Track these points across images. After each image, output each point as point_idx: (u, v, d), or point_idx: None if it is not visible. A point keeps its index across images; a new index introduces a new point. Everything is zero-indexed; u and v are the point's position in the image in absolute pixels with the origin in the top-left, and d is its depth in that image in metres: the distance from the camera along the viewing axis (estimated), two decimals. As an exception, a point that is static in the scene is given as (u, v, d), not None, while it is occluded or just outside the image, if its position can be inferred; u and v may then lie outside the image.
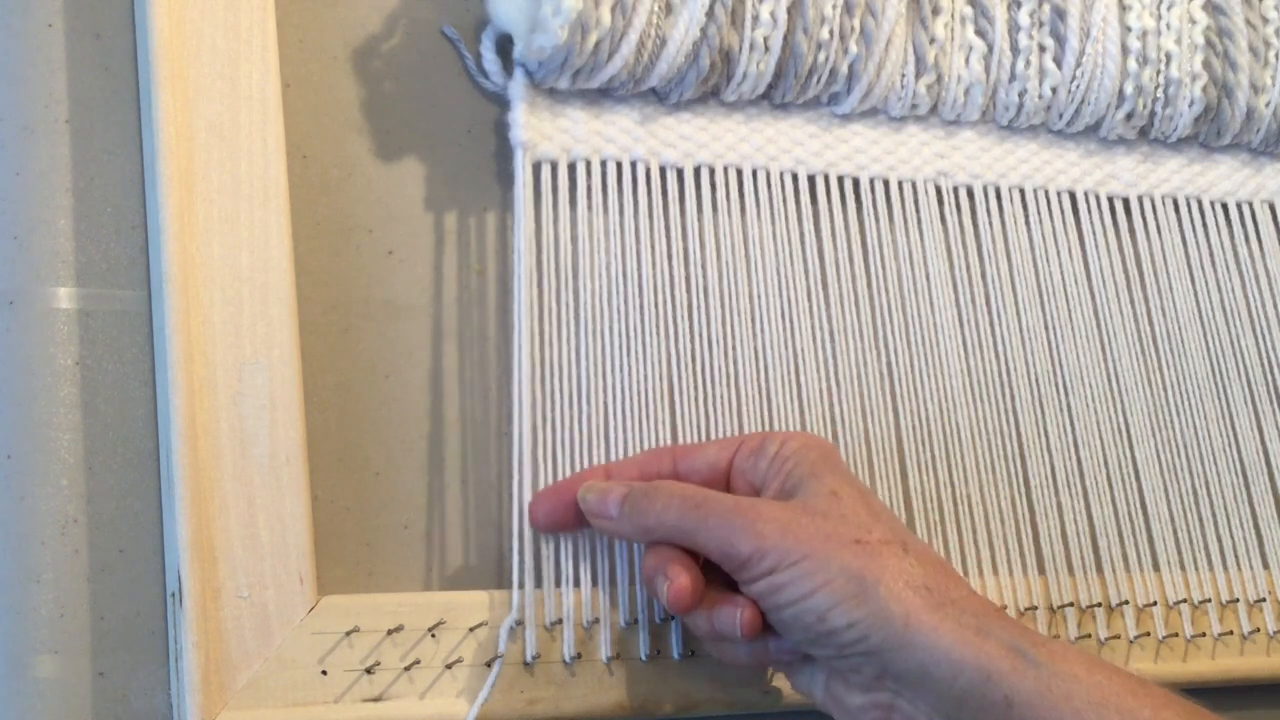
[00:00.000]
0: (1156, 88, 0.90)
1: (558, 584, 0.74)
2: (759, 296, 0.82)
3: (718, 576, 0.71)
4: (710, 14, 0.79)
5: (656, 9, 0.78)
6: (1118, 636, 0.84)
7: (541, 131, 0.79)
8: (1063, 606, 0.83)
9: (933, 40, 0.86)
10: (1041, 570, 0.84)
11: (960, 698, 0.64)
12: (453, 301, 0.80)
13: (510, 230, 0.80)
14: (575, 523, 0.74)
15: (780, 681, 0.77)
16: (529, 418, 0.75)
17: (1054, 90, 0.89)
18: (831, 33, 0.82)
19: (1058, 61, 0.88)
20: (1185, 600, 0.86)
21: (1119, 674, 0.64)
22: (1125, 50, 0.89)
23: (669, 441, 0.78)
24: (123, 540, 0.71)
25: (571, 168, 0.80)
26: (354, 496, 0.75)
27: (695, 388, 0.80)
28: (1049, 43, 0.88)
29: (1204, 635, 0.86)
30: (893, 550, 0.67)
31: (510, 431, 0.77)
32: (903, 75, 0.86)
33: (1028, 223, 0.90)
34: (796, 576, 0.67)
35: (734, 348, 0.81)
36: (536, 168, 0.79)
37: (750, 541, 0.67)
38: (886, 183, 0.87)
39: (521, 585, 0.74)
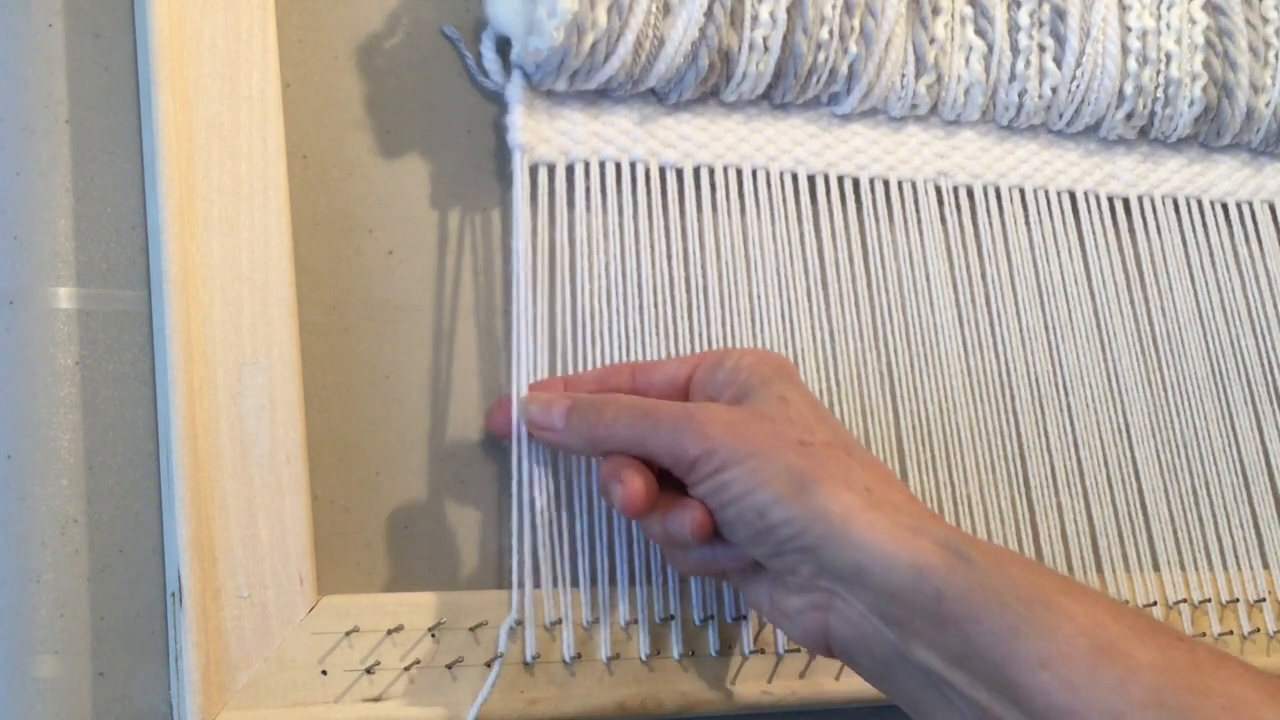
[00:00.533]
0: (1156, 88, 0.90)
1: (557, 584, 0.74)
2: (759, 297, 0.82)
3: (671, 485, 0.71)
4: (709, 14, 0.79)
5: (654, 10, 0.77)
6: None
7: (539, 134, 0.79)
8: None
9: (933, 40, 0.86)
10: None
11: (893, 593, 0.64)
12: (453, 301, 0.80)
13: (510, 229, 0.80)
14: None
15: (780, 683, 0.77)
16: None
17: (1054, 90, 0.89)
18: (831, 33, 0.82)
19: (1058, 61, 0.88)
20: (1185, 600, 0.86)
21: (1052, 574, 0.64)
22: (1125, 50, 0.89)
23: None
24: (123, 540, 0.71)
25: (570, 169, 0.80)
26: (354, 496, 0.75)
27: (695, 388, 0.80)
28: (1049, 43, 0.88)
29: (1204, 635, 0.86)
30: (835, 453, 0.68)
31: (510, 432, 0.77)
32: (903, 75, 0.86)
33: (1028, 223, 0.90)
34: (741, 475, 0.67)
35: (733, 347, 0.81)
36: (534, 170, 0.79)
37: (698, 444, 0.68)
38: (886, 183, 0.87)
39: (521, 585, 0.74)
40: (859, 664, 0.68)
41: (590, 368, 0.78)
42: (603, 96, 0.81)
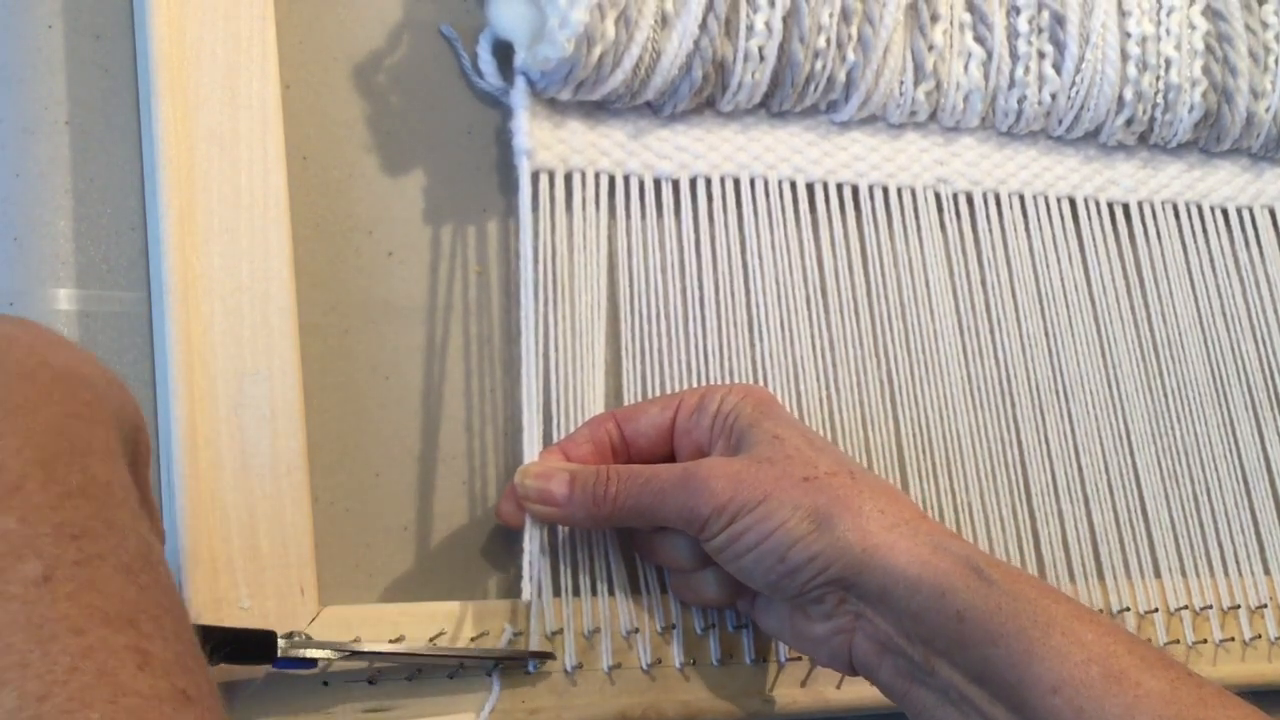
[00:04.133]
0: (1156, 93, 0.90)
1: (558, 593, 0.74)
2: (758, 305, 0.82)
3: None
4: (703, 25, 0.78)
5: (655, 22, 0.77)
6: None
7: (542, 140, 0.79)
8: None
9: (931, 47, 0.85)
10: (1043, 577, 0.84)
11: (918, 613, 0.66)
12: (453, 303, 0.79)
13: (510, 232, 0.80)
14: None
15: (781, 691, 0.77)
16: (538, 428, 0.76)
17: (1053, 96, 0.89)
18: (829, 41, 0.82)
19: (1057, 68, 0.88)
20: (1186, 607, 0.86)
21: (1067, 600, 0.66)
22: (1125, 56, 0.89)
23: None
24: (122, 543, 0.70)
25: (568, 178, 0.80)
26: (354, 498, 0.75)
27: (695, 397, 0.80)
28: (1048, 49, 0.88)
29: (1205, 642, 0.86)
30: (841, 480, 0.69)
31: (511, 434, 0.77)
32: (901, 82, 0.85)
33: (1027, 229, 0.90)
34: (754, 521, 0.68)
35: (732, 357, 0.81)
36: (536, 176, 0.79)
37: (707, 502, 0.69)
38: (885, 190, 0.87)
39: (522, 595, 0.74)
40: (881, 679, 0.70)
41: (588, 378, 0.77)
42: (600, 108, 0.81)
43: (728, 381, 0.81)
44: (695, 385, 0.80)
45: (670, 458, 0.75)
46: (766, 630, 0.75)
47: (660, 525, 0.72)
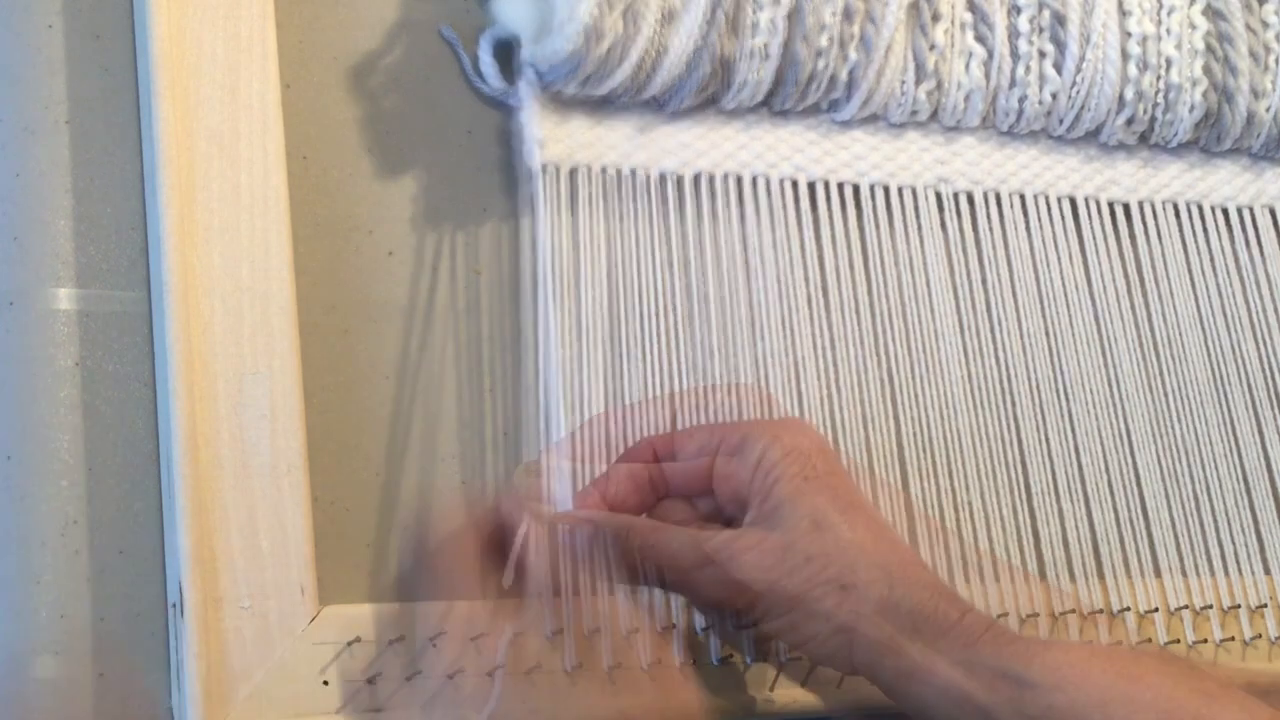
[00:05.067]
0: (1157, 93, 0.90)
1: (558, 593, 0.74)
2: (759, 304, 0.82)
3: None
4: (709, 22, 0.79)
5: (660, 18, 0.77)
6: (1119, 643, 0.83)
7: (549, 134, 0.79)
8: (1064, 613, 0.82)
9: (932, 46, 0.85)
10: (1043, 576, 0.84)
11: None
12: (453, 302, 0.79)
13: (510, 233, 0.80)
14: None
15: (782, 691, 0.77)
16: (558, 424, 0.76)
17: (1054, 96, 0.89)
18: (831, 40, 0.82)
19: (1058, 67, 0.88)
20: (1187, 606, 0.86)
21: (1113, 662, 0.66)
22: (1125, 56, 0.89)
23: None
24: (123, 542, 0.71)
25: (573, 173, 0.80)
26: (354, 498, 0.75)
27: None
28: (1049, 48, 0.88)
29: (1205, 641, 0.86)
30: (878, 589, 0.69)
31: (511, 433, 0.77)
32: (902, 82, 0.85)
33: (1028, 228, 0.90)
34: (785, 628, 0.70)
35: (734, 355, 0.81)
36: (543, 169, 0.79)
37: (740, 595, 0.70)
38: (886, 189, 0.87)
39: (522, 595, 0.73)
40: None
41: (590, 375, 0.77)
42: (604, 103, 0.81)
43: (729, 379, 0.80)
44: (697, 384, 0.80)
45: (709, 492, 0.75)
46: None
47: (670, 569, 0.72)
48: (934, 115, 0.88)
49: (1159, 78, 0.90)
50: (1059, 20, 0.88)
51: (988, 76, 0.87)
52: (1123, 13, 0.89)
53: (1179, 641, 0.85)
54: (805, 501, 0.70)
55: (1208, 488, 0.90)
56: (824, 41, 0.82)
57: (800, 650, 0.71)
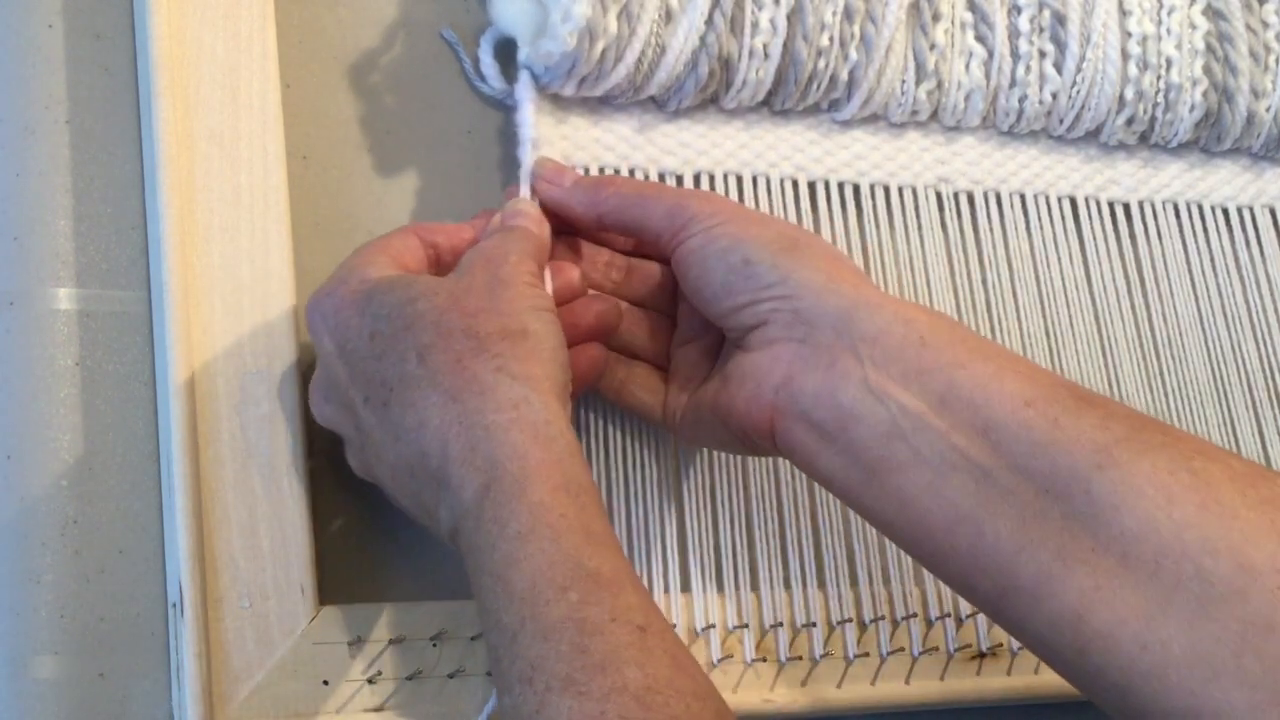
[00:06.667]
0: (1157, 93, 0.90)
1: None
2: (760, 303, 0.82)
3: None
4: (709, 22, 0.79)
5: (658, 17, 0.77)
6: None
7: (546, 135, 0.79)
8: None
9: (933, 46, 0.85)
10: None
11: (876, 336, 0.65)
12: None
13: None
14: None
15: (782, 691, 0.77)
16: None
17: (1054, 96, 0.89)
18: (831, 39, 0.82)
19: (1058, 67, 0.88)
20: (1185, 606, 0.86)
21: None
22: (1125, 55, 0.89)
23: (669, 453, 0.79)
24: (123, 541, 0.71)
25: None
26: (354, 500, 0.75)
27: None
28: (1049, 48, 0.88)
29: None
30: (821, 242, 0.71)
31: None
32: (903, 81, 0.85)
33: (1028, 228, 0.90)
34: (734, 229, 0.69)
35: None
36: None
37: (701, 204, 0.71)
38: (887, 189, 0.87)
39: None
40: (814, 421, 0.66)
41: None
42: (604, 103, 0.81)
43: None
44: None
45: None
46: (697, 403, 0.73)
47: (642, 224, 0.72)
48: (934, 115, 0.88)
49: (1159, 77, 0.90)
50: (1059, 20, 0.88)
51: (988, 76, 0.87)
52: (1123, 12, 0.89)
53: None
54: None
55: (1208, 487, 0.89)
56: (825, 41, 0.82)
57: (730, 251, 0.69)
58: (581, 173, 0.80)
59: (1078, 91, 0.89)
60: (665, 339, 0.77)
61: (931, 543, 0.62)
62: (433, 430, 0.61)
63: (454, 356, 0.62)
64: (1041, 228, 0.90)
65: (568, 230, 0.76)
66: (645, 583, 0.76)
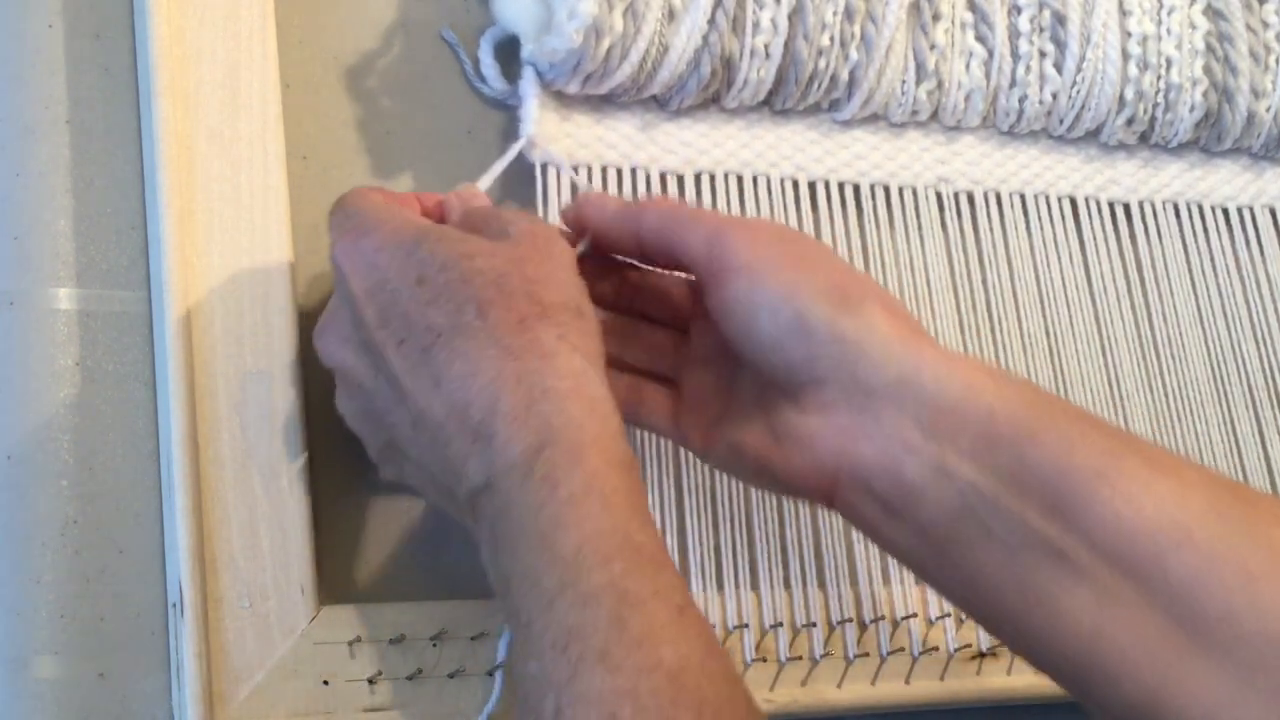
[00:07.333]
0: (1157, 93, 0.90)
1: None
2: (760, 303, 0.82)
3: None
4: (711, 21, 0.79)
5: (662, 16, 0.77)
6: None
7: (549, 133, 0.79)
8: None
9: (933, 46, 0.85)
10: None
11: (943, 407, 0.61)
12: (453, 302, 0.79)
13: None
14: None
15: (782, 691, 0.77)
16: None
17: (1054, 96, 0.89)
18: (832, 39, 0.82)
19: (1058, 67, 0.88)
20: (1186, 606, 0.86)
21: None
22: (1126, 55, 0.89)
23: (670, 454, 0.79)
24: (123, 541, 0.71)
25: (574, 171, 0.80)
26: (354, 501, 0.75)
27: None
28: (1049, 48, 0.88)
29: (1204, 641, 0.86)
30: (878, 288, 0.66)
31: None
32: (903, 81, 0.85)
33: (1028, 228, 0.90)
34: (784, 279, 0.64)
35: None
36: (544, 168, 0.79)
37: (744, 241, 0.66)
38: (887, 189, 0.87)
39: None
40: (877, 494, 0.63)
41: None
42: (606, 102, 0.81)
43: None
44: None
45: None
46: (732, 439, 0.69)
47: (680, 254, 0.68)
48: (934, 115, 0.88)
49: (1159, 78, 0.90)
50: (1059, 20, 0.88)
51: (988, 76, 0.87)
52: (1123, 12, 0.90)
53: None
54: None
55: (1208, 487, 0.89)
56: (825, 41, 0.82)
57: (781, 305, 0.64)
58: (583, 172, 0.80)
59: (1078, 91, 0.89)
60: (675, 354, 0.74)
61: (1006, 621, 0.60)
62: (484, 382, 0.59)
63: (517, 316, 0.61)
64: (1041, 228, 0.91)
65: (607, 261, 0.73)
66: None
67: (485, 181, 0.75)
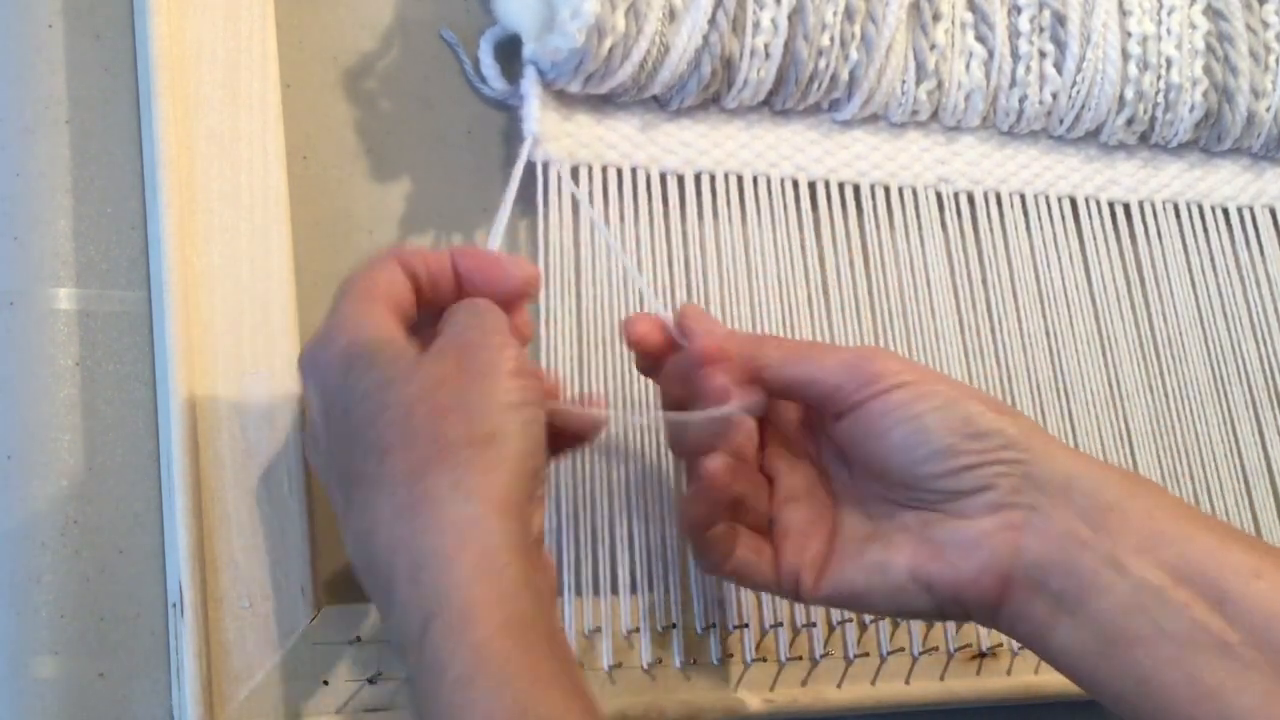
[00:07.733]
0: (1157, 93, 0.90)
1: (559, 593, 0.74)
2: (760, 303, 0.82)
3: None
4: (712, 21, 0.79)
5: (663, 16, 0.77)
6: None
7: (550, 132, 0.79)
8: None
9: (933, 46, 0.85)
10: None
11: (1109, 505, 0.63)
12: (453, 302, 0.79)
13: (509, 233, 0.80)
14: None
15: (782, 691, 0.77)
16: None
17: (1054, 96, 0.89)
18: (832, 39, 0.82)
19: (1058, 67, 0.88)
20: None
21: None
22: (1126, 55, 0.89)
23: (668, 454, 0.78)
24: (123, 541, 0.71)
25: (575, 171, 0.80)
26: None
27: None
28: (1049, 48, 0.88)
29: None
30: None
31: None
32: (903, 81, 0.85)
33: (1028, 228, 0.90)
34: (936, 389, 0.65)
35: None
36: (545, 166, 0.79)
37: (887, 358, 0.66)
38: (887, 189, 0.87)
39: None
40: (1053, 589, 0.63)
41: (590, 375, 0.77)
42: (606, 102, 0.81)
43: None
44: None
45: None
46: (877, 560, 0.68)
47: (811, 383, 0.67)
48: (934, 115, 0.88)
49: (1159, 78, 0.90)
50: (1059, 20, 0.88)
51: (988, 76, 0.87)
52: (1123, 13, 0.90)
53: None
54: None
55: (1208, 487, 0.89)
56: (825, 41, 0.82)
57: (946, 411, 0.65)
58: (584, 171, 0.80)
59: (1078, 91, 0.89)
60: (762, 497, 0.72)
61: (1174, 719, 0.61)
62: (382, 543, 0.58)
63: (413, 463, 0.58)
64: (1041, 228, 0.90)
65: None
66: (646, 584, 0.76)
67: (495, 240, 0.71)
